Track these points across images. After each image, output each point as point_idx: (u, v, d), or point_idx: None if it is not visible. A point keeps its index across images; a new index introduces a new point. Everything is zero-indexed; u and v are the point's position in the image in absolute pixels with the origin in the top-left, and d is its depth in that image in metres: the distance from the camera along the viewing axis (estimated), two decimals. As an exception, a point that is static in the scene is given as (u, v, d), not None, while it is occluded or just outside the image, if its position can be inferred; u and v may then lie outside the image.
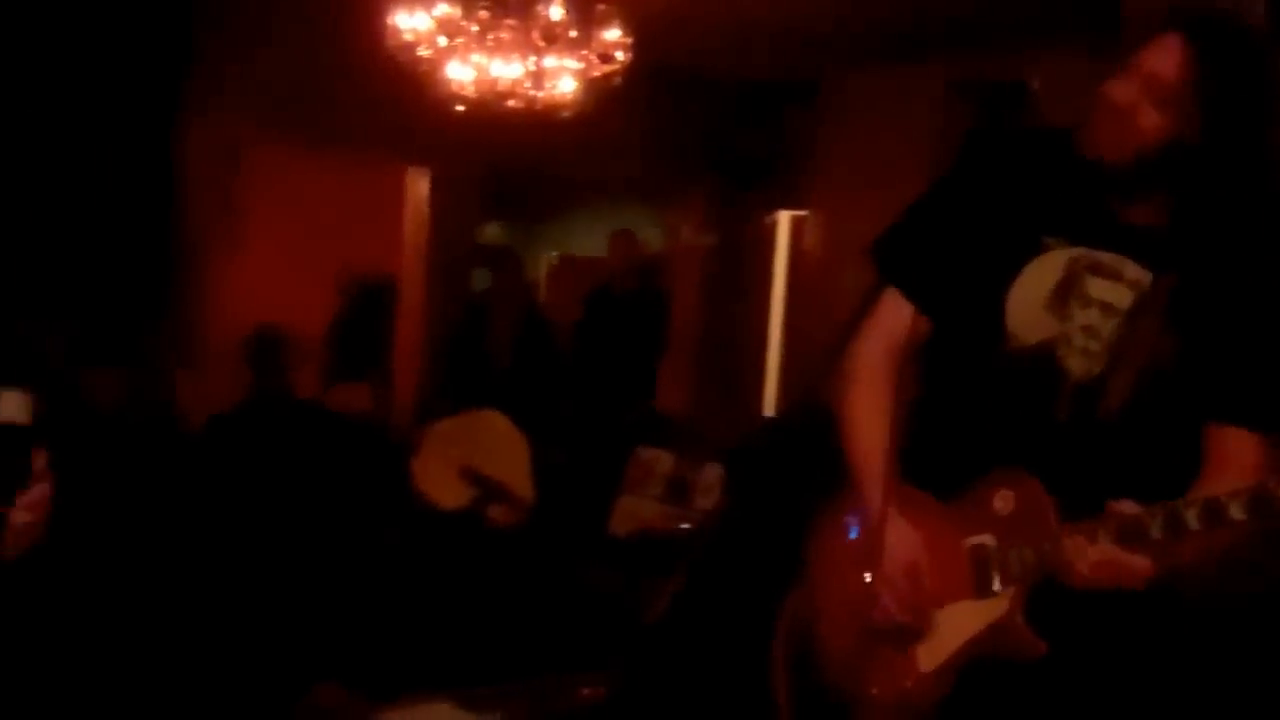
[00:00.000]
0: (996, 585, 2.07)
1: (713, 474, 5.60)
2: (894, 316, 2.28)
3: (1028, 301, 2.12)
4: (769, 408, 8.30)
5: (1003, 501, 2.08)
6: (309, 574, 3.15)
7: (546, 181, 9.36)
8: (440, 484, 4.48)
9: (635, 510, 5.75)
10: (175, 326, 6.64)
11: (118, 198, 6.20)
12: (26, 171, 5.72)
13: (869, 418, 2.25)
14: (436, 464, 4.52)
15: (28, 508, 1.68)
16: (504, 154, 7.41)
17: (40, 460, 1.68)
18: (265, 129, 7.01)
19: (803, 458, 3.90)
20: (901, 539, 2.15)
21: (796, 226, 8.41)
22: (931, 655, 2.13)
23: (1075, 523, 1.97)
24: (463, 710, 2.88)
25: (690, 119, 8.16)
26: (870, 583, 2.14)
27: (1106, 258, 2.09)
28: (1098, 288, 2.09)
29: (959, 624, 2.11)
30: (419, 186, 8.21)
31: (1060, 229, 2.12)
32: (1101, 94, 2.04)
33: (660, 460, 5.94)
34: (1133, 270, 2.08)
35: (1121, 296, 2.08)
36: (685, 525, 5.06)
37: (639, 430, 6.40)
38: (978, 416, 2.17)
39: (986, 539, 2.09)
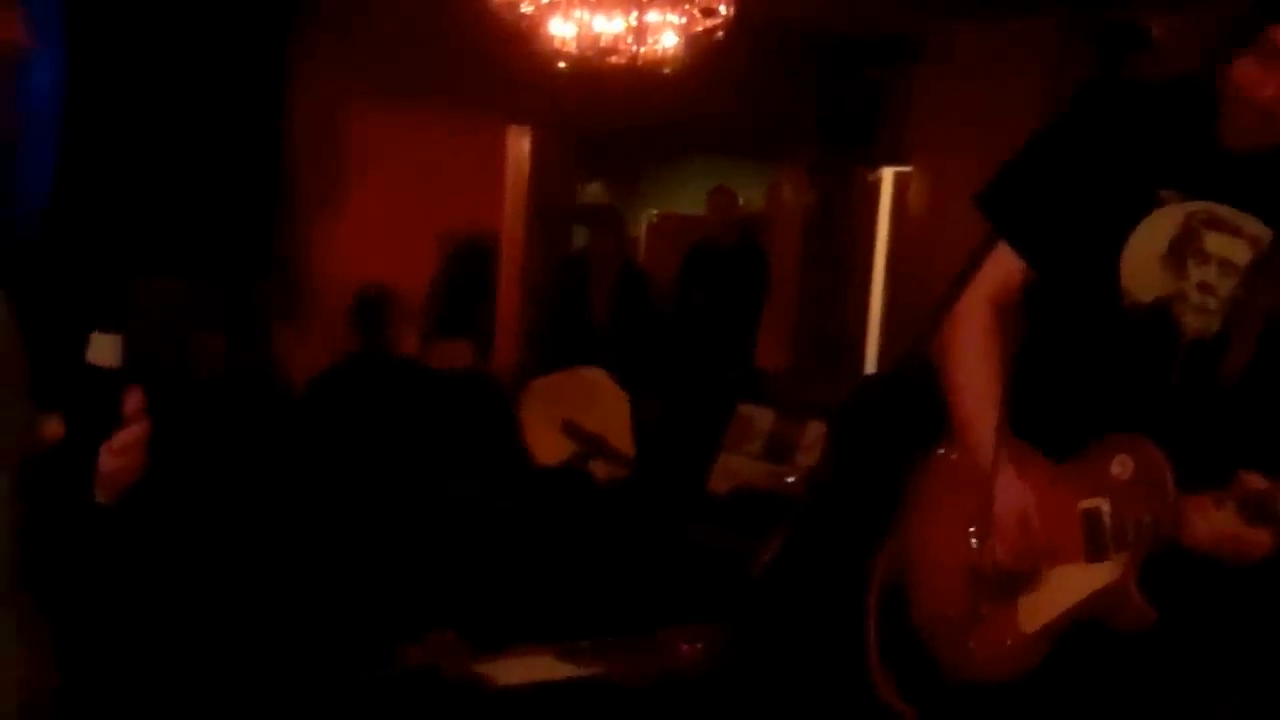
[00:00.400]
0: (1110, 551, 2.02)
1: (814, 431, 5.57)
2: (1001, 270, 2.22)
3: (1143, 257, 2.06)
4: (870, 365, 8.23)
5: (1120, 467, 2.03)
6: (412, 528, 3.18)
7: (648, 138, 9.32)
8: (541, 439, 4.50)
9: (735, 468, 5.74)
10: (280, 285, 6.72)
11: (224, 158, 6.27)
12: (136, 130, 5.80)
13: (978, 370, 2.20)
14: (538, 420, 4.54)
15: (117, 451, 1.64)
16: (605, 111, 7.38)
17: (133, 403, 1.63)
18: (369, 88, 7.05)
19: (907, 415, 3.85)
20: (1012, 489, 2.11)
21: (900, 183, 8.30)
22: (1035, 616, 2.09)
23: (1198, 493, 1.93)
24: (564, 662, 2.89)
25: (793, 74, 8.07)
26: (979, 530, 2.11)
27: (1225, 212, 2.03)
28: (1215, 243, 2.03)
29: (1067, 587, 2.07)
30: (520, 144, 8.21)
31: (1177, 182, 2.05)
32: (1238, 85, 1.96)
33: (761, 417, 5.92)
34: (1253, 226, 2.02)
35: (1240, 253, 2.02)
36: (790, 479, 5.04)
37: (739, 387, 6.38)
38: (1090, 374, 2.12)
39: (1101, 503, 2.04)
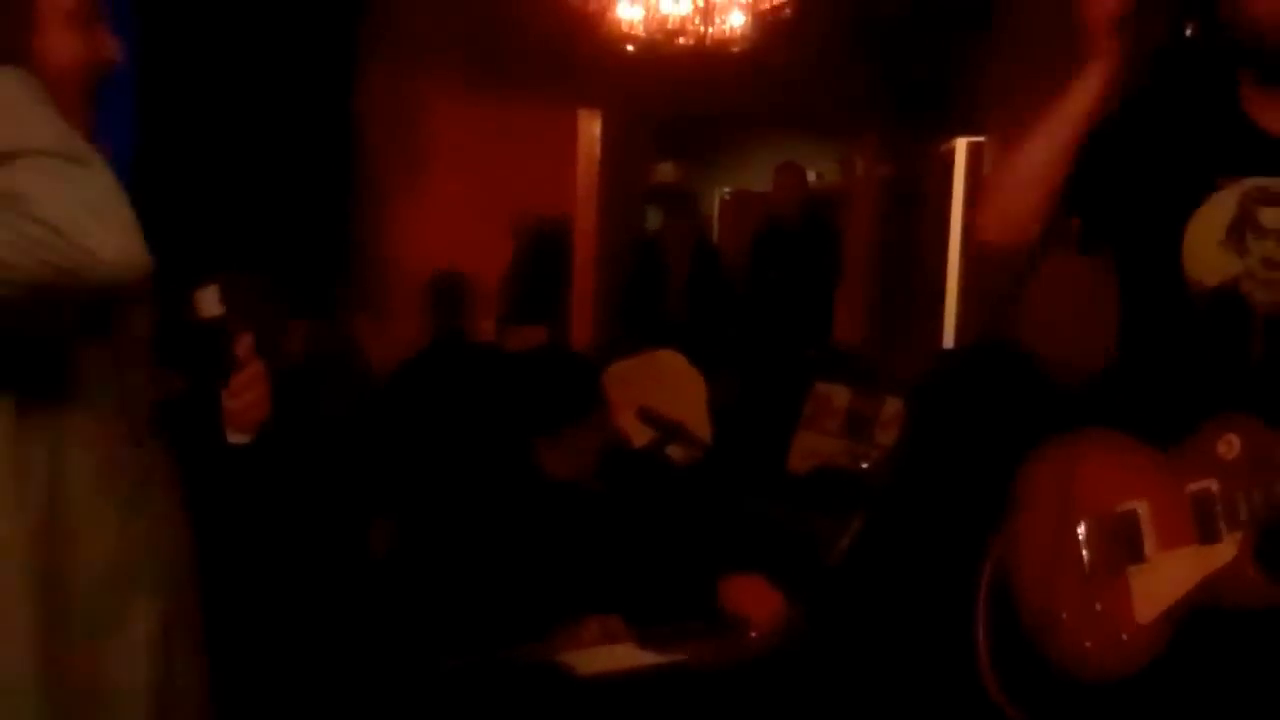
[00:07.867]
0: (1223, 531, 2.01)
1: (892, 408, 5.52)
2: None
3: (1203, 244, 2.08)
4: (948, 340, 8.16)
5: (1227, 446, 2.02)
6: (486, 515, 3.20)
7: (719, 118, 9.30)
8: (619, 425, 4.51)
9: (814, 446, 5.71)
10: (357, 273, 6.79)
11: (299, 148, 6.34)
12: (211, 124, 5.87)
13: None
14: (614, 405, 4.54)
15: (239, 391, 1.77)
16: (675, 92, 7.38)
17: (244, 346, 1.76)
18: (440, 76, 7.10)
19: (987, 391, 3.82)
20: None
21: (974, 154, 8.21)
22: (1150, 605, 2.06)
23: None
24: (645, 650, 2.89)
25: (862, 47, 8.01)
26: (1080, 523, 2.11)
27: (1276, 184, 2.04)
28: (1270, 217, 2.04)
29: (1181, 572, 2.04)
30: (591, 128, 8.23)
31: (1232, 166, 2.08)
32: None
33: (838, 395, 5.88)
34: None
35: None
36: (865, 465, 5.02)
37: (816, 365, 6.34)
38: (1172, 358, 2.13)
39: (1210, 484, 2.03)
